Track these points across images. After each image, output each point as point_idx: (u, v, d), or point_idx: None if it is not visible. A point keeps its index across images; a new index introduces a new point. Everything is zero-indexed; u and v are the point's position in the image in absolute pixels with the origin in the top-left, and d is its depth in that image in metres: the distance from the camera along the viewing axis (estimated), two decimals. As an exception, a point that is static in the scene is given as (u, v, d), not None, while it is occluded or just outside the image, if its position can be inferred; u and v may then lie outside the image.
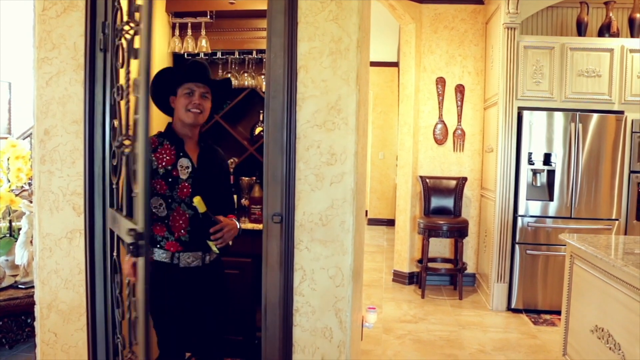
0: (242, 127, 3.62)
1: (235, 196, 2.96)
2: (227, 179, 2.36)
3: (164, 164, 2.05)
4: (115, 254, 1.95)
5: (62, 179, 2.20)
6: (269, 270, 2.09)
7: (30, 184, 3.51)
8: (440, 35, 5.14)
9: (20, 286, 3.09)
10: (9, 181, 3.17)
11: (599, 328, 2.46)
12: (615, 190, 4.27)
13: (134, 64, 1.58)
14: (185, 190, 2.06)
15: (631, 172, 4.30)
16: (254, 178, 3.37)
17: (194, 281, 2.12)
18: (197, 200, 1.96)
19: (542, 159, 4.32)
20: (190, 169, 2.09)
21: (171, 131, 2.13)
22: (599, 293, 2.51)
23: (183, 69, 2.13)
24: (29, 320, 3.05)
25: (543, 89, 4.36)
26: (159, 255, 2.09)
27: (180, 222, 2.06)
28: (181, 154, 2.09)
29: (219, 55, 3.38)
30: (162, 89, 2.12)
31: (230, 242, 2.14)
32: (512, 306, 4.40)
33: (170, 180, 2.04)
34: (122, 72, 1.82)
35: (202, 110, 2.09)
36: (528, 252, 4.34)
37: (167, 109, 2.19)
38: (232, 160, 3.41)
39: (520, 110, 4.36)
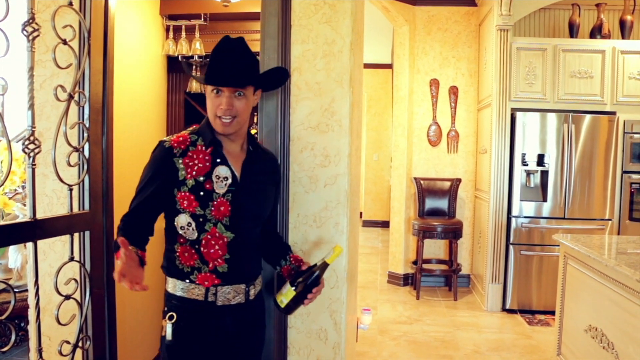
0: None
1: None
2: (276, 197, 1.85)
3: (194, 172, 1.54)
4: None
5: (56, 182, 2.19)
6: (263, 273, 2.09)
7: (23, 187, 3.49)
8: (433, 37, 5.16)
9: (14, 290, 3.07)
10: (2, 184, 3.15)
11: (593, 327, 2.48)
12: (608, 190, 4.31)
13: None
14: (222, 209, 1.55)
15: (624, 172, 4.33)
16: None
17: (234, 323, 1.63)
18: (338, 252, 1.54)
19: (535, 159, 4.34)
20: (229, 181, 1.57)
21: (207, 127, 1.60)
22: (592, 293, 2.53)
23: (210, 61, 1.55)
24: (22, 324, 3.03)
25: (536, 90, 4.39)
26: (189, 291, 1.58)
27: (217, 247, 1.57)
28: (219, 160, 1.58)
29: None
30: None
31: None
32: (507, 307, 4.42)
33: (202, 194, 1.53)
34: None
35: (236, 115, 1.54)
36: (522, 252, 4.36)
37: None
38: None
39: (514, 111, 4.39)
